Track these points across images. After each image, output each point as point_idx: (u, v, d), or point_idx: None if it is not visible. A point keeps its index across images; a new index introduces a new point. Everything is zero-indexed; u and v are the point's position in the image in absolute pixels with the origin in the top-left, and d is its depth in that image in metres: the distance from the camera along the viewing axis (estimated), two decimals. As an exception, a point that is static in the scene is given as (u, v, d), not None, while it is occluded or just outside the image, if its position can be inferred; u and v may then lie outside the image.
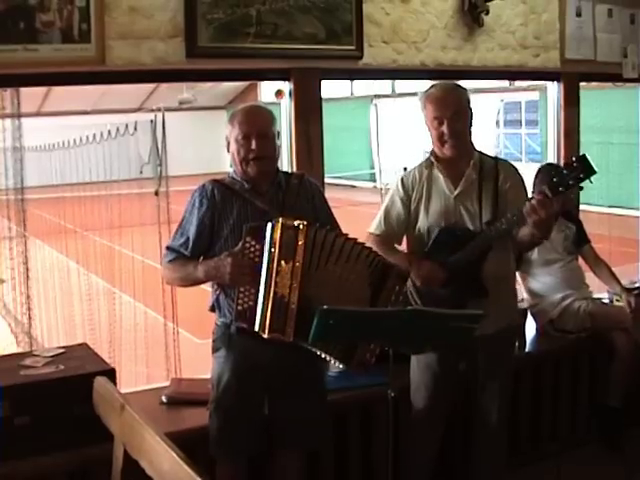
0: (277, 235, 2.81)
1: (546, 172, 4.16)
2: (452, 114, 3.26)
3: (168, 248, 3.09)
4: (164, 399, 3.48)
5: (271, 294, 2.80)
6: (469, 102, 3.36)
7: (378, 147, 23.01)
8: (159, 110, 7.92)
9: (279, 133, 3.13)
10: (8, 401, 2.89)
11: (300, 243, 2.81)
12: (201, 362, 3.58)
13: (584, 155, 3.01)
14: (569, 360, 4.37)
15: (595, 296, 4.64)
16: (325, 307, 2.60)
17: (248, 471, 3.13)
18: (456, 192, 3.33)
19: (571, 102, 4.92)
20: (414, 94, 3.45)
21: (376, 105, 23.03)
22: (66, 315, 7.59)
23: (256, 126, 2.99)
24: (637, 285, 4.87)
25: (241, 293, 2.84)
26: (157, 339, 6.62)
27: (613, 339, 4.28)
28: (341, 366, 2.93)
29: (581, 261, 4.67)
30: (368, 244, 3.06)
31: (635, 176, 7.22)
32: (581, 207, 4.92)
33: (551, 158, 4.97)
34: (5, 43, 3.19)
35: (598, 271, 4.69)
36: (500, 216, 3.25)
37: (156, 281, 5.60)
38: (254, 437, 3.05)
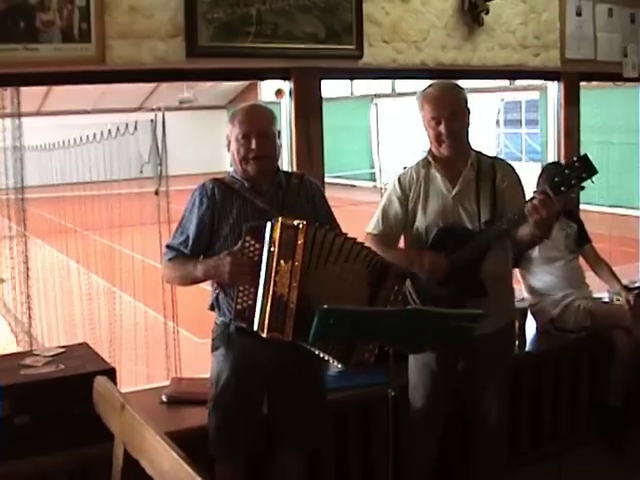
0: (277, 234, 2.81)
1: (550, 171, 4.15)
2: (450, 114, 3.26)
3: (168, 247, 3.10)
4: (164, 398, 3.48)
5: (270, 293, 2.81)
6: (467, 102, 3.36)
7: (378, 147, 23.06)
8: (159, 109, 7.92)
9: (280, 132, 3.13)
10: (8, 400, 2.89)
11: (299, 243, 2.81)
12: (201, 361, 3.58)
13: (585, 155, 3.01)
14: (569, 359, 4.37)
15: (595, 295, 4.64)
16: (325, 306, 2.60)
17: (248, 471, 3.13)
18: (454, 192, 3.33)
19: (571, 101, 4.92)
20: (414, 94, 3.44)
21: (376, 104, 23.06)
22: (66, 314, 7.60)
23: (256, 125, 3.00)
24: (637, 285, 4.87)
25: (240, 292, 2.84)
26: (157, 338, 6.62)
27: (613, 338, 4.28)
28: (340, 366, 2.93)
29: (582, 261, 4.67)
30: (366, 244, 3.06)
31: (635, 176, 7.23)
32: (581, 207, 4.92)
33: (551, 158, 4.97)
34: (5, 42, 3.19)
35: (599, 270, 4.69)
36: (498, 215, 3.25)
37: (156, 280, 5.60)
38: (253, 436, 3.05)
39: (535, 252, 4.37)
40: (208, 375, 3.13)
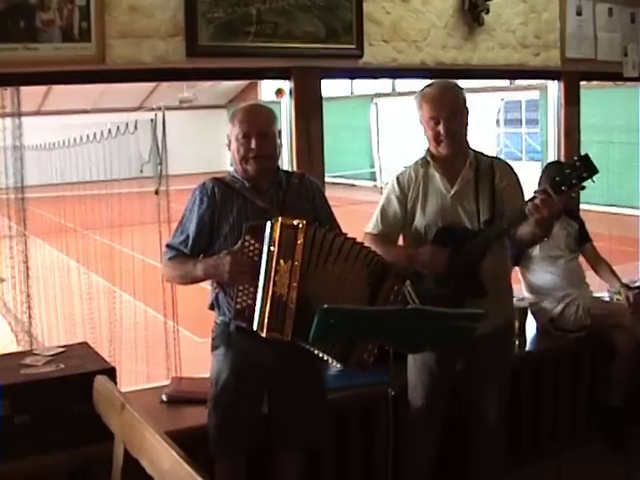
0: (276, 234, 2.81)
1: (553, 169, 4.15)
2: (448, 114, 3.26)
3: (168, 246, 3.10)
4: (164, 398, 3.49)
5: (270, 293, 2.81)
6: (465, 101, 3.35)
7: (378, 146, 23.08)
8: (159, 109, 7.91)
9: (280, 132, 3.13)
10: (8, 400, 2.89)
11: (299, 242, 2.81)
12: (201, 361, 3.58)
13: (586, 154, 3.01)
14: (569, 359, 4.37)
15: (595, 295, 4.64)
16: (325, 306, 2.60)
17: (248, 470, 3.13)
18: (453, 191, 3.33)
19: (571, 101, 4.92)
20: (414, 93, 3.44)
21: (376, 104, 23.08)
22: (66, 314, 7.59)
23: (256, 125, 2.99)
24: (638, 284, 4.87)
25: (240, 292, 2.84)
26: (157, 338, 6.62)
27: (614, 338, 4.28)
28: (339, 366, 2.93)
29: (582, 260, 4.67)
30: (366, 244, 3.06)
31: (635, 175, 7.23)
32: (581, 206, 4.92)
33: (551, 157, 4.97)
34: (5, 42, 3.19)
35: (599, 270, 4.70)
36: (497, 215, 3.25)
37: (156, 280, 5.60)
38: (253, 436, 3.05)
39: (536, 250, 4.37)
40: (208, 374, 3.13)
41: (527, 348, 4.31)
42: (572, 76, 4.87)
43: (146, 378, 5.89)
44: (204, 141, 24.94)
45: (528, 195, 3.12)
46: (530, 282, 4.52)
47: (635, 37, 5.04)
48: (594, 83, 5.67)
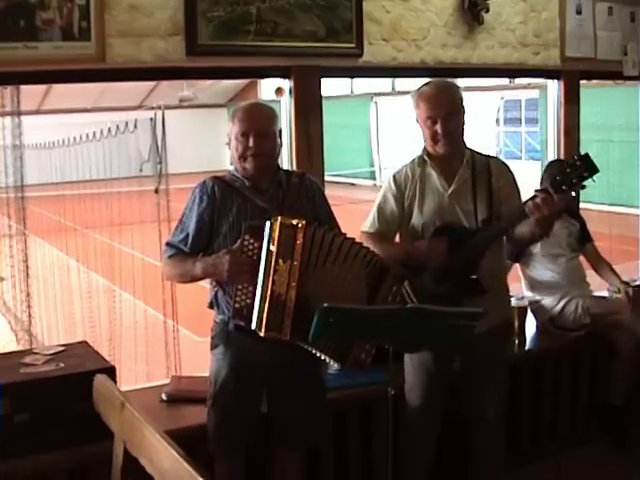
0: (276, 234, 2.81)
1: (554, 168, 4.15)
2: (446, 113, 3.25)
3: (168, 244, 3.10)
4: (164, 397, 3.49)
5: (268, 293, 2.81)
6: (462, 100, 3.35)
7: (378, 145, 23.08)
8: (159, 108, 7.90)
9: (281, 132, 3.12)
10: (8, 399, 2.89)
11: (299, 242, 2.81)
12: (201, 360, 3.57)
13: (587, 154, 3.01)
14: (569, 358, 4.37)
15: (595, 294, 4.64)
16: (325, 305, 2.60)
17: (248, 469, 3.13)
18: (450, 190, 3.33)
19: (571, 100, 4.92)
20: (414, 92, 3.45)
21: (376, 103, 23.10)
22: (66, 313, 7.59)
23: (255, 124, 2.99)
24: (637, 283, 4.87)
25: (239, 291, 2.84)
26: (157, 337, 6.61)
27: (614, 337, 4.28)
28: (336, 365, 2.93)
29: (582, 259, 4.67)
30: (363, 242, 3.06)
31: (635, 174, 7.22)
32: (581, 205, 4.92)
33: (551, 156, 4.97)
34: (5, 41, 3.19)
35: (600, 269, 4.71)
36: (495, 214, 3.26)
37: (156, 279, 5.60)
38: (252, 434, 3.05)
39: (537, 248, 4.37)
40: (208, 373, 3.13)
41: (527, 347, 4.31)
42: (572, 75, 4.87)
43: (146, 377, 5.89)
44: (204, 140, 24.94)
45: (524, 194, 3.13)
46: (530, 278, 4.52)
47: (635, 36, 5.04)
48: (594, 82, 5.66)
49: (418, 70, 4.25)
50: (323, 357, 2.88)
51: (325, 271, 2.87)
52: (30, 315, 6.78)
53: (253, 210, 2.97)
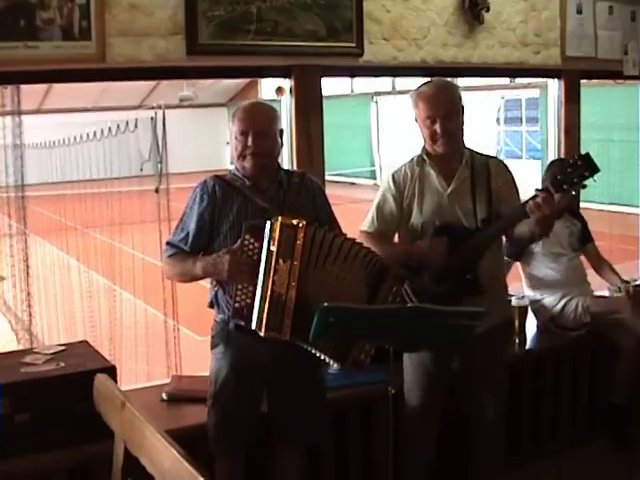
0: (276, 234, 2.81)
1: (556, 168, 4.15)
2: (445, 113, 3.25)
3: (168, 243, 3.10)
4: (164, 396, 3.49)
5: (268, 292, 2.80)
6: (461, 99, 3.35)
7: (378, 144, 23.07)
8: (159, 107, 7.89)
9: (282, 131, 3.12)
10: (8, 398, 2.89)
11: (299, 242, 2.81)
12: (201, 359, 3.58)
13: (587, 153, 3.02)
14: (570, 357, 4.37)
15: (596, 293, 4.64)
16: (326, 304, 2.60)
17: (248, 469, 3.13)
18: (449, 190, 3.33)
19: (572, 99, 4.92)
20: (414, 91, 3.45)
21: (376, 102, 23.09)
22: (66, 312, 7.58)
23: (254, 123, 2.99)
24: (638, 283, 4.87)
25: (239, 290, 2.84)
26: (157, 336, 6.61)
27: (616, 337, 4.27)
28: (336, 365, 2.93)
29: (583, 260, 4.67)
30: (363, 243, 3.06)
31: (635, 173, 7.23)
32: (582, 204, 4.92)
33: (552, 155, 4.98)
34: (5, 40, 3.19)
35: (600, 270, 4.72)
36: (494, 214, 3.25)
37: (156, 278, 5.60)
38: (252, 434, 3.05)
39: (538, 247, 4.38)
40: (208, 373, 3.13)
41: (527, 346, 4.32)
42: (572, 74, 4.87)
43: (146, 376, 5.89)
44: (204, 139, 24.96)
45: (525, 193, 3.12)
46: (531, 277, 4.52)
47: (635, 35, 5.03)
48: (594, 81, 5.67)
49: (418, 69, 4.25)
50: (322, 357, 2.88)
51: (325, 271, 2.87)
52: (30, 314, 6.77)
53: (253, 210, 2.97)
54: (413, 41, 4.18)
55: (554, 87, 4.95)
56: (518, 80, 15.73)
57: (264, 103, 3.18)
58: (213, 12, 3.57)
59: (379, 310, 2.84)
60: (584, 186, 3.07)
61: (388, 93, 21.68)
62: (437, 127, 3.26)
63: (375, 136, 23.44)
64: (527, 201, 3.05)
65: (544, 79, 5.14)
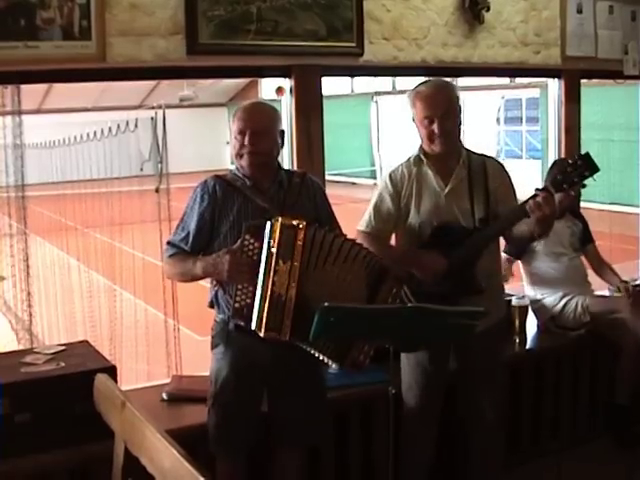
0: (276, 234, 2.81)
1: (558, 167, 4.15)
2: (442, 113, 3.25)
3: (169, 243, 3.10)
4: (165, 396, 3.49)
5: (268, 293, 2.80)
6: (458, 99, 3.35)
7: (379, 144, 23.06)
8: (160, 107, 7.90)
9: (283, 132, 3.12)
10: (9, 398, 2.89)
11: (299, 243, 2.81)
12: (202, 359, 3.57)
13: (587, 153, 3.02)
14: (570, 357, 4.37)
15: (596, 293, 4.65)
16: (326, 304, 2.60)
17: (249, 469, 3.13)
18: (447, 189, 3.33)
19: (572, 99, 4.92)
20: (415, 91, 3.44)
21: (377, 102, 23.08)
22: (67, 312, 7.58)
23: (252, 122, 2.99)
24: (638, 282, 4.88)
25: (239, 290, 2.84)
26: (158, 336, 6.61)
27: (616, 337, 4.27)
28: (334, 366, 2.93)
29: (583, 260, 4.68)
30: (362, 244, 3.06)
31: (635, 173, 7.23)
32: (582, 204, 4.91)
33: (552, 155, 4.98)
34: (6, 40, 3.19)
35: (600, 270, 4.72)
36: (492, 213, 3.26)
37: (157, 278, 5.60)
38: (252, 434, 3.05)
39: (540, 246, 4.38)
40: (208, 373, 3.13)
41: (528, 346, 4.32)
42: (572, 74, 4.87)
43: (146, 376, 5.88)
44: (204, 139, 24.97)
45: (526, 193, 3.12)
46: (532, 275, 4.52)
47: (635, 35, 5.03)
48: (594, 81, 5.67)
49: (419, 69, 4.25)
50: (322, 358, 2.87)
51: (325, 272, 2.86)
52: (31, 314, 6.76)
53: (254, 210, 2.97)
54: (413, 41, 4.18)
55: (554, 87, 4.95)
56: (518, 80, 15.73)
57: (265, 103, 3.18)
58: (213, 12, 3.57)
59: (380, 310, 2.84)
60: (584, 185, 3.08)
61: (388, 93, 21.67)
62: (435, 127, 3.26)
63: (375, 136, 23.44)
64: (527, 200, 3.05)
65: (544, 79, 5.14)
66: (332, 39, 3.88)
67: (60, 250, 9.84)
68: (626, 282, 4.59)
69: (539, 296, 4.49)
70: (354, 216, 3.53)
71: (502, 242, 3.72)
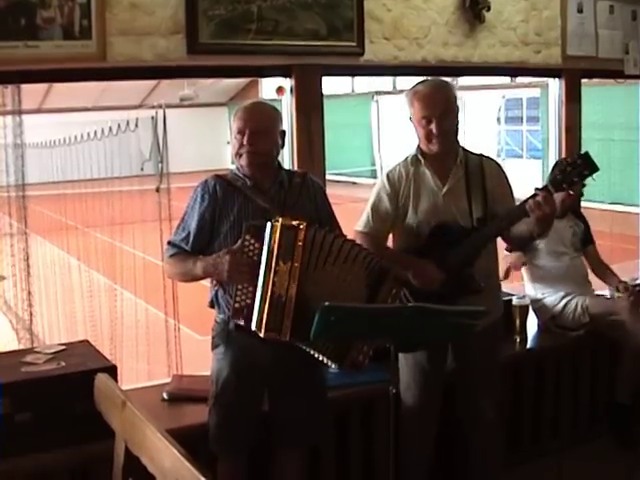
0: (276, 235, 2.80)
1: (559, 166, 4.15)
2: (441, 113, 3.24)
3: (169, 243, 3.10)
4: (165, 396, 3.48)
5: (269, 293, 2.80)
6: (456, 99, 3.34)
7: (379, 143, 23.05)
8: (160, 107, 7.90)
9: (284, 132, 3.12)
10: (9, 398, 2.89)
11: (299, 244, 2.81)
12: (202, 359, 3.58)
13: (586, 152, 3.03)
14: (570, 357, 4.37)
15: (597, 292, 4.64)
16: (327, 304, 2.60)
17: (250, 469, 3.13)
18: (444, 189, 3.33)
19: (572, 98, 4.92)
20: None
21: (377, 101, 23.07)
22: (67, 312, 7.59)
23: (251, 122, 2.99)
24: (638, 282, 4.88)
25: (239, 291, 2.84)
26: (158, 336, 6.61)
27: (617, 338, 4.27)
28: (334, 366, 2.93)
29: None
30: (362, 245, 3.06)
31: (636, 173, 7.23)
32: (582, 203, 4.91)
33: (552, 155, 4.98)
34: (6, 40, 3.19)
35: (599, 272, 4.72)
36: (489, 213, 3.25)
37: (157, 278, 5.60)
38: (253, 434, 3.05)
39: (542, 244, 4.37)
40: (209, 372, 3.13)
41: (528, 345, 4.31)
42: (573, 73, 4.87)
43: (147, 376, 5.88)
44: (205, 139, 24.96)
45: (527, 192, 3.12)
46: (533, 271, 4.52)
47: (636, 34, 5.03)
48: (595, 81, 5.67)
49: (419, 69, 4.25)
50: (321, 358, 2.87)
51: (325, 272, 2.86)
52: (31, 314, 6.77)
53: (254, 210, 2.97)
54: (414, 40, 4.17)
55: (555, 86, 4.94)
56: (519, 79, 15.68)
57: (265, 103, 3.18)
58: (214, 11, 3.57)
59: (380, 309, 2.84)
60: (583, 185, 3.08)
61: (389, 92, 21.65)
62: (433, 127, 3.25)
63: (376, 135, 23.43)
64: (527, 200, 3.05)
65: (545, 78, 5.13)
66: (333, 39, 3.88)
67: (60, 250, 9.85)
68: (625, 282, 4.59)
69: (540, 295, 4.48)
70: (354, 216, 3.53)
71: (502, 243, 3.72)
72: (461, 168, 3.34)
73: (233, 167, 3.13)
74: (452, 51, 4.30)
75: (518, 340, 4.28)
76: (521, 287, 4.67)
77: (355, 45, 3.96)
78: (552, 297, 4.43)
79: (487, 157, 3.48)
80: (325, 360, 2.88)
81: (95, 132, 9.90)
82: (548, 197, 2.99)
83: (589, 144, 4.64)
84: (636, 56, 5.01)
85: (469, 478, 3.61)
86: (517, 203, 3.19)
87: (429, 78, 3.48)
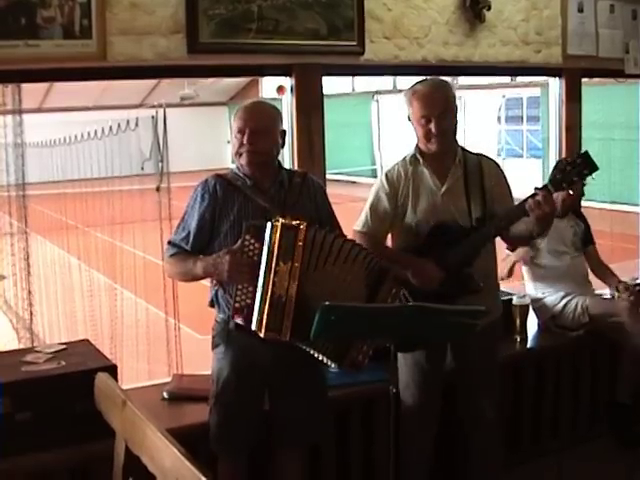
0: (276, 235, 2.80)
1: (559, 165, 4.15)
2: (440, 112, 3.24)
3: (170, 242, 3.10)
4: (165, 395, 3.48)
5: (269, 293, 2.80)
6: (455, 98, 3.34)
7: (379, 143, 23.04)
8: (160, 106, 7.90)
9: (284, 132, 3.11)
10: (9, 397, 2.89)
11: (299, 244, 2.80)
12: (202, 358, 3.58)
13: (586, 152, 3.03)
14: (570, 356, 4.37)
15: (597, 292, 4.64)
16: (327, 303, 2.60)
17: (250, 469, 3.13)
18: (443, 188, 3.33)
19: (573, 98, 4.91)
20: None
21: (377, 101, 23.07)
22: (67, 311, 7.58)
23: (251, 121, 2.99)
24: (638, 282, 4.87)
25: (239, 291, 2.84)
26: (158, 335, 6.61)
27: (617, 339, 4.27)
28: (333, 366, 2.92)
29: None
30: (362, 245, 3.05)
31: (636, 172, 7.22)
32: (583, 203, 4.91)
33: (552, 154, 4.97)
34: (6, 39, 3.19)
35: (599, 272, 4.72)
36: (488, 212, 3.25)
37: (157, 277, 5.60)
38: (253, 433, 3.05)
39: (543, 243, 4.37)
40: (209, 372, 3.13)
41: (528, 345, 4.31)
42: (573, 73, 4.87)
43: (147, 375, 5.88)
44: (205, 138, 24.95)
45: (527, 192, 3.12)
46: (534, 270, 4.52)
47: (636, 34, 5.03)
48: (595, 80, 5.67)
49: (420, 68, 4.25)
50: (321, 358, 2.87)
51: (325, 272, 2.86)
52: (31, 313, 6.77)
53: (254, 209, 2.97)
54: (414, 40, 4.17)
55: (555, 86, 4.94)
56: (519, 79, 15.68)
57: (266, 102, 3.18)
58: (214, 10, 3.57)
59: (380, 309, 2.84)
60: (583, 184, 3.08)
61: (389, 92, 21.65)
62: (432, 126, 3.25)
63: (376, 135, 23.43)
64: (526, 199, 3.05)
65: (545, 78, 5.13)
66: (333, 38, 3.88)
67: (61, 249, 9.84)
68: (625, 282, 4.59)
69: (540, 295, 4.49)
70: (354, 215, 3.53)
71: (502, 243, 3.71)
72: (460, 168, 3.34)
73: (233, 166, 3.13)
74: (452, 50, 4.30)
75: (518, 340, 4.28)
76: (521, 286, 4.67)
77: (355, 44, 3.96)
78: (552, 297, 4.43)
79: (486, 157, 3.48)
80: (325, 360, 2.88)
81: (95, 131, 9.90)
82: (548, 196, 2.99)
83: (589, 143, 4.63)
84: (636, 55, 5.01)
85: (469, 478, 3.61)
86: (517, 203, 3.19)
87: (428, 78, 3.48)
